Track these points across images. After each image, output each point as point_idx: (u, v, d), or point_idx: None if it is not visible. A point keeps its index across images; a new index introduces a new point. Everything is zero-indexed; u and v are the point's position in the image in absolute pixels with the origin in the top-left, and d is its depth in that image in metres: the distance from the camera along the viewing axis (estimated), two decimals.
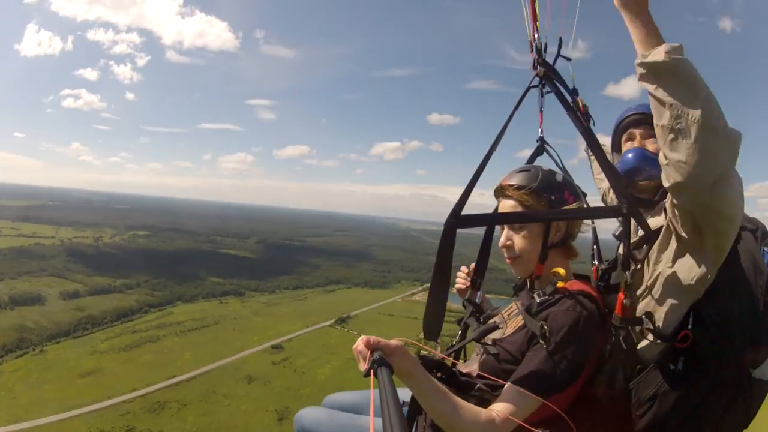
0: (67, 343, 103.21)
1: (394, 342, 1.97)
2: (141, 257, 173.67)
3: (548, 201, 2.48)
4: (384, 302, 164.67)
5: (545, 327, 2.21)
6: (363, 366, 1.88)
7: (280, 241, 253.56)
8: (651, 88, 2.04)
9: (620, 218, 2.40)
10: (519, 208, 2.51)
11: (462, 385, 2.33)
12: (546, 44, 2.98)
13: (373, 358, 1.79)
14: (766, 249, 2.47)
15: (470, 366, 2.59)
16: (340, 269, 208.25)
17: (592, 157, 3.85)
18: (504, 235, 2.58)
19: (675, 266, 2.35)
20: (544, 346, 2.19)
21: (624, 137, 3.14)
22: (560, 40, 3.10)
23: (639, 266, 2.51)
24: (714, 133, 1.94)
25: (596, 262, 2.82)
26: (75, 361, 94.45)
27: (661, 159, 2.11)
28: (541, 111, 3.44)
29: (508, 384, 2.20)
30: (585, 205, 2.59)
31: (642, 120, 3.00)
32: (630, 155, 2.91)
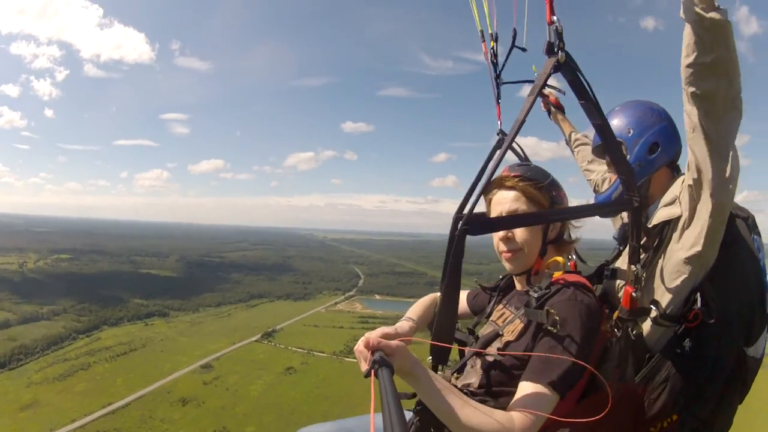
0: (4, 375, 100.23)
1: (394, 342, 1.88)
2: (65, 282, 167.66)
3: (551, 198, 2.51)
4: (308, 313, 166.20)
5: (552, 311, 2.15)
6: (364, 366, 1.83)
7: (200, 258, 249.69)
8: (702, 31, 2.01)
9: (629, 212, 2.38)
10: (522, 200, 2.48)
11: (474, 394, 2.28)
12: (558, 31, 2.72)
13: (374, 359, 1.73)
14: (756, 237, 2.63)
15: (467, 379, 2.45)
16: (262, 283, 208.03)
17: (577, 149, 4.14)
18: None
19: (677, 250, 2.44)
20: (555, 332, 2.12)
21: (605, 161, 3.17)
22: (514, 30, 3.33)
23: (647, 259, 2.60)
24: (737, 95, 2.12)
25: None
26: (13, 394, 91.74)
27: (688, 97, 2.17)
28: (499, 102, 3.63)
29: (524, 382, 2.09)
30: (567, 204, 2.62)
31: (598, 153, 3.25)
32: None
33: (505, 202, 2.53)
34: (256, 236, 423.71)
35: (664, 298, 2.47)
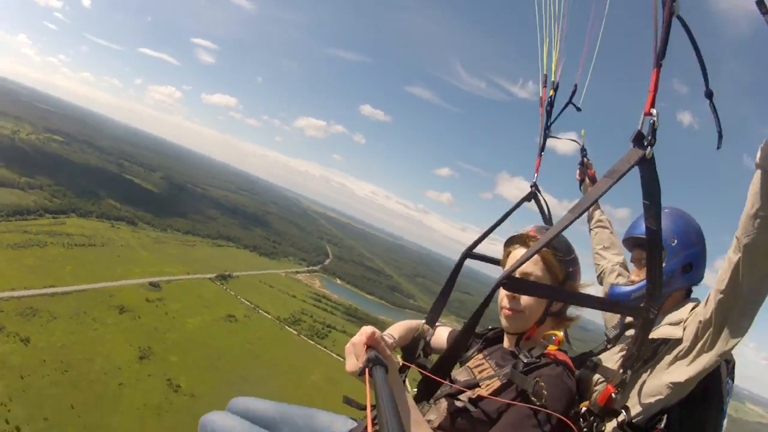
0: None
1: (390, 354, 1.84)
2: (50, 161, 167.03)
3: (566, 273, 2.47)
4: (267, 271, 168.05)
5: (541, 383, 2.10)
6: (356, 364, 1.78)
7: (184, 182, 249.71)
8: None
9: (642, 321, 2.26)
10: (540, 266, 2.45)
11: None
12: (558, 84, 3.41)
13: (368, 357, 1.68)
14: (729, 381, 2.70)
15: (429, 415, 2.40)
16: (234, 227, 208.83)
17: (594, 230, 4.01)
18: None
19: (664, 372, 2.46)
20: (535, 403, 2.07)
21: (632, 254, 3.16)
22: (575, 86, 3.38)
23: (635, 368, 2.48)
24: None
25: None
26: None
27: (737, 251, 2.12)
28: (541, 155, 3.61)
29: None
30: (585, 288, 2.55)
31: (627, 245, 3.12)
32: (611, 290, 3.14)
33: (520, 258, 2.37)
34: (244, 182, 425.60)
35: (635, 408, 2.50)
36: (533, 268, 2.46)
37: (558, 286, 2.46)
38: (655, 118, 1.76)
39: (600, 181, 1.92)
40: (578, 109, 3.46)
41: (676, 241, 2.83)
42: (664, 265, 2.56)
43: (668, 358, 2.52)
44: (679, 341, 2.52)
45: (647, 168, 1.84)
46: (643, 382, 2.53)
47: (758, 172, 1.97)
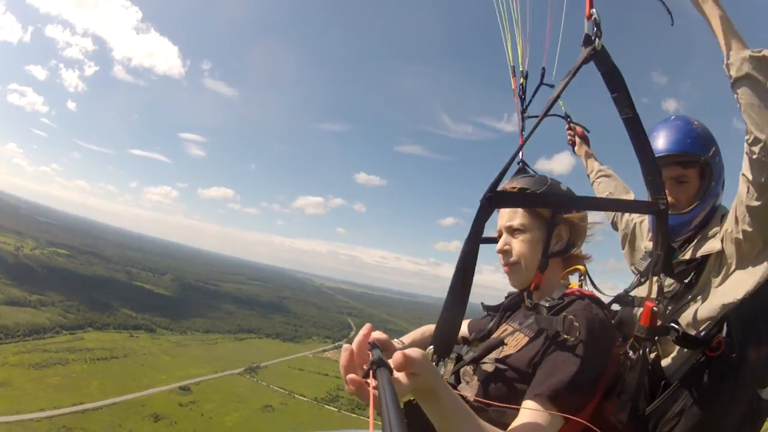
0: None
1: (414, 353, 1.45)
2: (58, 276, 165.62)
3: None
4: (295, 356, 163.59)
5: (571, 318, 1.96)
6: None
7: (195, 282, 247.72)
8: (765, 82, 2.05)
9: (655, 216, 2.29)
10: (519, 212, 2.37)
11: (476, 407, 1.96)
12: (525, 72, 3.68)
13: (372, 359, 1.51)
14: None
15: (462, 393, 2.22)
16: (253, 318, 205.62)
17: (596, 180, 3.91)
18: (502, 239, 2.42)
19: (714, 290, 2.38)
20: (570, 341, 1.94)
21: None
22: (543, 69, 3.44)
23: (677, 290, 2.53)
24: None
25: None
26: None
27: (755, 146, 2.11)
28: (522, 135, 3.64)
29: (527, 401, 1.87)
30: (585, 217, 2.44)
31: (665, 163, 2.69)
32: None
33: (504, 214, 2.44)
34: (254, 271, 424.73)
35: (688, 323, 2.38)
36: (515, 217, 2.37)
37: (547, 223, 2.33)
38: (595, 17, 1.85)
39: (559, 84, 1.95)
40: (551, 87, 3.60)
41: (713, 152, 2.68)
42: (713, 184, 2.65)
43: (714, 277, 2.44)
44: (720, 255, 2.44)
45: (602, 59, 1.92)
46: (692, 307, 2.44)
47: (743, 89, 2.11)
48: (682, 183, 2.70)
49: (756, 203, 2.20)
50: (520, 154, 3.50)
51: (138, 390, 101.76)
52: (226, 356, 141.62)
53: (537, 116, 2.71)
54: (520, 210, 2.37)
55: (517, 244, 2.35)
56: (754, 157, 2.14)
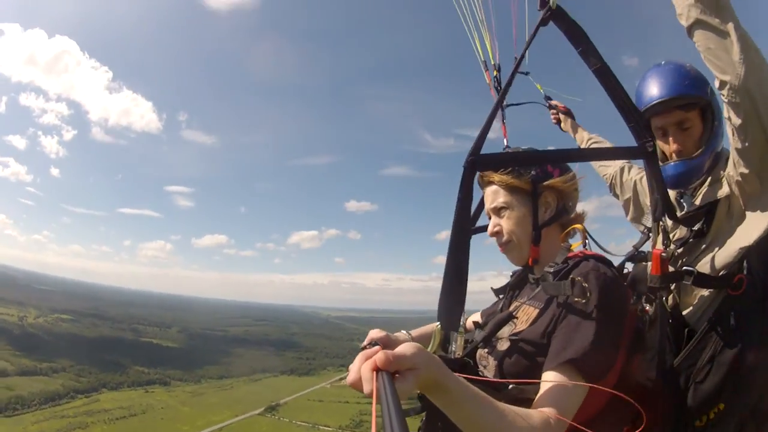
0: (0, 421, 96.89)
1: (404, 348, 1.34)
2: (65, 342, 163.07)
3: (531, 177, 2.24)
4: (313, 388, 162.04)
5: (578, 279, 1.87)
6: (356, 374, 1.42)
7: (202, 330, 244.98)
8: (715, 22, 2.04)
9: (645, 161, 2.22)
10: (501, 192, 2.30)
11: (494, 386, 1.89)
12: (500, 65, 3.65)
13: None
14: None
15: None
16: (265, 358, 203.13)
17: (588, 144, 3.84)
18: (492, 222, 2.36)
19: (733, 236, 2.31)
20: (582, 303, 1.85)
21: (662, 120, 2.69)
22: (515, 59, 3.31)
23: (687, 237, 2.49)
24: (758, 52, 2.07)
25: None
26: None
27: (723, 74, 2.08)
28: (504, 123, 3.63)
29: (547, 372, 1.79)
30: (571, 177, 2.31)
31: (665, 109, 2.61)
32: (673, 169, 2.65)
33: (488, 197, 2.38)
34: (259, 312, 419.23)
35: (705, 265, 2.32)
36: (498, 198, 2.32)
37: (530, 194, 2.27)
38: None
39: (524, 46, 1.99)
40: (526, 74, 3.74)
41: (710, 92, 2.59)
42: (716, 123, 2.58)
43: (726, 222, 2.39)
44: (728, 198, 2.39)
45: (559, 17, 1.91)
46: (708, 254, 2.38)
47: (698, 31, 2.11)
48: (686, 128, 2.62)
49: (741, 145, 2.17)
50: (504, 141, 3.55)
51: None
52: (245, 399, 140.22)
53: (515, 104, 3.17)
54: (500, 190, 2.29)
55: (505, 223, 2.29)
56: (726, 100, 2.11)
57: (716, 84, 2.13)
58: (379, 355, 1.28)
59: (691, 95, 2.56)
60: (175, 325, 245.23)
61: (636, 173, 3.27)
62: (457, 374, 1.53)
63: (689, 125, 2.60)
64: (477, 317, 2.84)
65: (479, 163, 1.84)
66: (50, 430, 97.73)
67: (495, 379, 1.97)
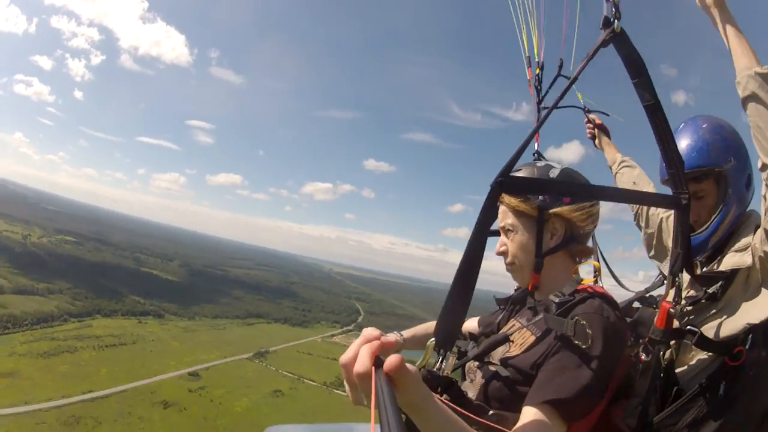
0: None
1: (405, 366, 1.34)
2: (65, 263, 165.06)
3: (537, 203, 2.20)
4: (303, 341, 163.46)
5: (581, 321, 1.86)
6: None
7: (204, 267, 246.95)
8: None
9: (675, 211, 2.11)
10: (509, 214, 2.28)
11: (474, 410, 1.90)
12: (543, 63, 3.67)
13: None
14: None
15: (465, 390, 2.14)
16: (261, 303, 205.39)
17: (619, 172, 3.69)
18: (500, 240, 2.36)
19: (743, 308, 2.24)
20: (582, 346, 1.83)
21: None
22: (560, 60, 3.42)
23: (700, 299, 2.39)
24: None
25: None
26: None
27: None
28: (538, 128, 3.76)
29: (528, 407, 1.78)
30: (582, 206, 2.20)
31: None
32: None
33: (499, 215, 2.35)
34: (263, 257, 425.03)
35: (710, 329, 2.26)
36: (506, 219, 2.30)
37: (536, 221, 2.21)
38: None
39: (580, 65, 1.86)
40: (568, 78, 3.40)
41: (732, 161, 2.53)
42: (729, 189, 2.53)
43: (741, 292, 2.30)
44: (749, 270, 2.31)
45: (621, 42, 1.82)
46: (716, 320, 2.30)
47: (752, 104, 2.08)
48: (700, 198, 2.58)
49: None
50: (536, 145, 3.45)
51: (147, 377, 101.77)
52: (235, 341, 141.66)
53: (553, 107, 2.88)
54: (508, 211, 2.28)
55: (511, 245, 2.28)
56: (765, 182, 2.09)
57: (759, 164, 2.11)
58: (393, 360, 1.30)
59: (703, 168, 2.54)
60: (177, 258, 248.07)
61: (664, 210, 3.16)
62: (438, 395, 1.59)
63: (703, 194, 2.59)
64: (473, 323, 2.89)
65: (507, 186, 1.74)
66: (39, 350, 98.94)
67: (474, 415, 1.86)
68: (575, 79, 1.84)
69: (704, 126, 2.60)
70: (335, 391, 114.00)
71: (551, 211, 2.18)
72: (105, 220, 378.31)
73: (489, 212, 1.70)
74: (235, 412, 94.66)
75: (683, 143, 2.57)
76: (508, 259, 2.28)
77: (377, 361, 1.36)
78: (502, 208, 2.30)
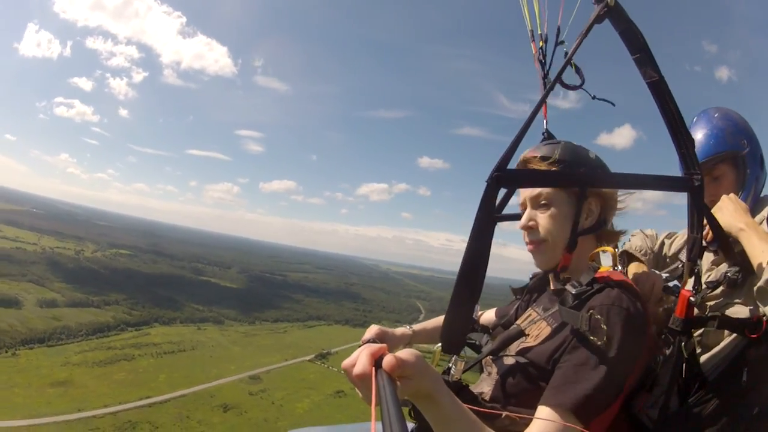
0: (40, 351, 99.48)
1: (407, 355, 1.39)
2: (121, 276, 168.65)
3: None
4: None
5: (597, 316, 1.72)
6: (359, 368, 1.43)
7: (262, 273, 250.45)
8: None
9: (689, 193, 2.01)
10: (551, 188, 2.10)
11: (486, 413, 1.75)
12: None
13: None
14: None
15: (480, 387, 2.07)
16: (321, 306, 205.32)
17: None
18: (526, 214, 2.13)
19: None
20: (598, 343, 1.70)
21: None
22: (558, 28, 3.19)
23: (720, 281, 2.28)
24: None
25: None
26: (47, 369, 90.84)
27: None
28: (546, 102, 3.22)
29: (543, 407, 1.69)
30: (618, 192, 2.14)
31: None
32: None
33: (527, 191, 2.21)
34: (321, 260, 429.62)
35: (733, 309, 2.26)
36: (545, 189, 2.14)
37: (577, 196, 2.07)
38: None
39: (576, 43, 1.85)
40: (562, 43, 3.55)
41: (746, 143, 2.76)
42: (748, 170, 2.73)
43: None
44: None
45: (617, 16, 1.77)
46: (738, 307, 2.29)
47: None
48: (716, 178, 2.74)
49: None
50: (544, 123, 3.37)
51: (207, 381, 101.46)
52: (296, 344, 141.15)
53: (558, 82, 3.07)
54: None
55: (544, 220, 2.09)
56: None
57: None
58: (389, 358, 1.30)
59: (721, 153, 2.72)
60: (235, 266, 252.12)
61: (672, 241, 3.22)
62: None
63: (719, 174, 2.75)
64: (491, 315, 2.87)
65: (504, 180, 1.70)
66: (94, 359, 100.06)
67: (488, 410, 1.83)
68: (570, 58, 1.83)
69: (716, 115, 2.81)
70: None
71: (593, 189, 2.08)
72: (159, 232, 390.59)
73: (487, 210, 1.66)
74: (296, 414, 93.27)
75: (700, 134, 2.76)
76: (541, 235, 2.10)
77: (378, 362, 1.35)
78: None
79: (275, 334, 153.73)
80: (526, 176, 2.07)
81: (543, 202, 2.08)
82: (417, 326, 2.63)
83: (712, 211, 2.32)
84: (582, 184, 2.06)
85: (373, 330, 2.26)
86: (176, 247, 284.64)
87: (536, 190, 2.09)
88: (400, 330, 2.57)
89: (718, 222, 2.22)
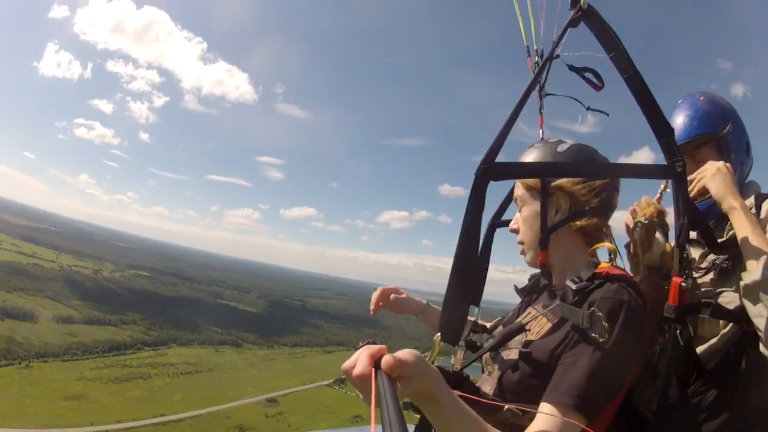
0: (55, 364, 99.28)
1: (406, 355, 1.36)
2: (139, 296, 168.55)
3: (543, 181, 2.12)
4: None
5: (598, 313, 1.72)
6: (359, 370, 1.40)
7: (281, 299, 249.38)
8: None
9: (672, 180, 2.03)
10: (520, 187, 2.18)
11: (488, 407, 1.74)
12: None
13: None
14: None
15: (483, 387, 2.01)
16: (341, 331, 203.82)
17: None
18: (515, 217, 2.26)
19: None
20: (599, 339, 1.70)
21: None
22: (553, 42, 2.81)
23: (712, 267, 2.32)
24: None
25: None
26: (60, 383, 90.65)
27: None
28: (541, 113, 3.36)
29: (545, 404, 1.68)
30: (587, 181, 2.09)
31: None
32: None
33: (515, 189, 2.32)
34: (340, 286, 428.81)
35: (725, 301, 2.23)
36: (517, 191, 2.25)
37: (540, 193, 2.14)
38: None
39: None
40: (557, 57, 3.38)
41: (730, 127, 2.71)
42: (733, 154, 2.68)
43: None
44: None
45: (591, 18, 1.84)
46: (731, 294, 2.26)
47: None
48: (699, 161, 2.64)
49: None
50: (540, 132, 3.39)
51: (223, 402, 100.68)
52: (315, 368, 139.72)
53: (555, 94, 3.25)
54: (519, 184, 2.24)
55: (519, 222, 2.22)
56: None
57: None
58: (387, 358, 1.28)
59: (705, 134, 2.70)
60: (255, 290, 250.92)
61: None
62: (453, 391, 1.52)
63: (702, 158, 2.67)
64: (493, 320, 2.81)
65: (492, 173, 1.70)
66: (109, 376, 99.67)
67: (491, 402, 1.80)
68: (549, 59, 1.98)
69: (701, 98, 2.79)
70: (417, 415, 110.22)
71: (553, 184, 2.10)
72: (179, 255, 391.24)
73: (476, 203, 1.68)
74: None
75: (684, 115, 2.76)
76: (518, 238, 2.23)
77: (377, 363, 1.34)
78: (515, 182, 2.29)
79: (294, 359, 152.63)
80: (513, 169, 2.02)
81: (519, 203, 2.18)
82: (435, 307, 2.70)
83: (699, 171, 2.40)
84: (568, 174, 2.09)
85: (388, 289, 2.57)
86: (196, 270, 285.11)
87: (516, 193, 2.19)
88: (418, 301, 2.83)
89: (698, 210, 2.20)
